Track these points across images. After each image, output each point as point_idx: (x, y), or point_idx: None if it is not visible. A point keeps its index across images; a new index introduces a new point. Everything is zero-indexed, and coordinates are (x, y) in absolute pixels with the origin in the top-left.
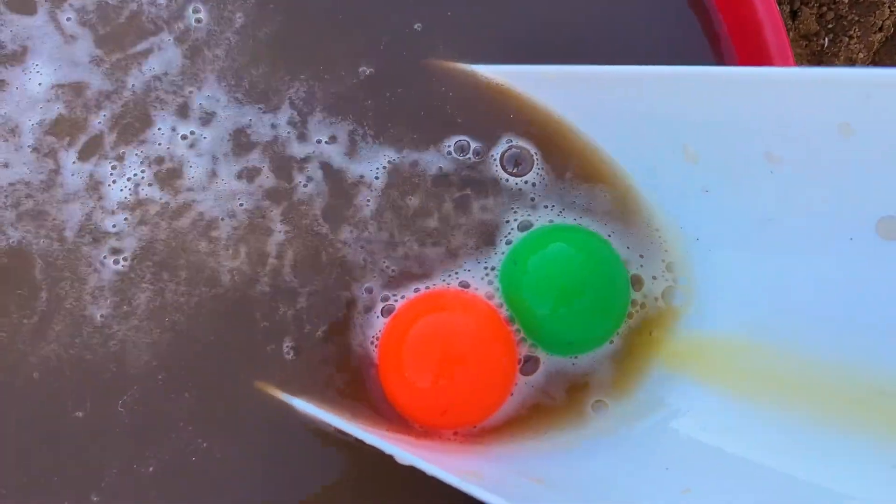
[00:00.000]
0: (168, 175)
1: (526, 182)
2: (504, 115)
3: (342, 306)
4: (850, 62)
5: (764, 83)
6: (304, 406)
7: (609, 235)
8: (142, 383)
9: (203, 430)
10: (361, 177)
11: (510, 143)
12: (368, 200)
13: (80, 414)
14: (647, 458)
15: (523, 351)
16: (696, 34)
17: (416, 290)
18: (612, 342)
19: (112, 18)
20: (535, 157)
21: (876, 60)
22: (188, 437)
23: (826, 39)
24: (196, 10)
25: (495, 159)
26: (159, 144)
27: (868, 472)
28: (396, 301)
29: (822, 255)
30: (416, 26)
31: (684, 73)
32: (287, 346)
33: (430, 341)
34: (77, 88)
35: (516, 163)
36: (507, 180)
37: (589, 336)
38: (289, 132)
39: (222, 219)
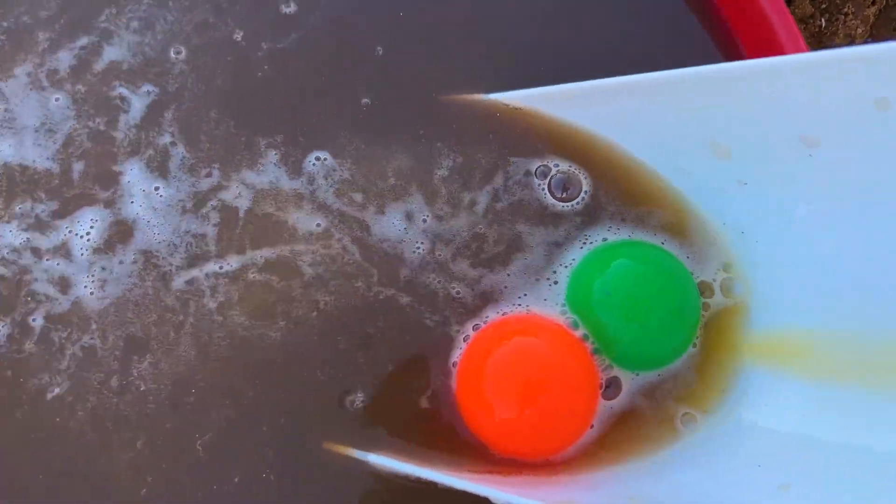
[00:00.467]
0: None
1: (575, 204)
2: (538, 139)
3: (412, 345)
4: (850, 39)
5: (791, 70)
6: (381, 460)
7: (662, 244)
8: (200, 464)
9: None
10: (410, 215)
11: (556, 168)
12: (420, 243)
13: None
14: (738, 459)
15: (602, 371)
16: (703, 39)
17: (487, 319)
18: (689, 350)
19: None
20: (582, 179)
21: (874, 34)
22: None
23: (823, 20)
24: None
25: (542, 187)
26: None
27: None
28: (468, 332)
29: (871, 231)
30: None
31: (705, 72)
32: (353, 397)
33: (512, 369)
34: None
35: (564, 187)
36: (557, 205)
37: (667, 348)
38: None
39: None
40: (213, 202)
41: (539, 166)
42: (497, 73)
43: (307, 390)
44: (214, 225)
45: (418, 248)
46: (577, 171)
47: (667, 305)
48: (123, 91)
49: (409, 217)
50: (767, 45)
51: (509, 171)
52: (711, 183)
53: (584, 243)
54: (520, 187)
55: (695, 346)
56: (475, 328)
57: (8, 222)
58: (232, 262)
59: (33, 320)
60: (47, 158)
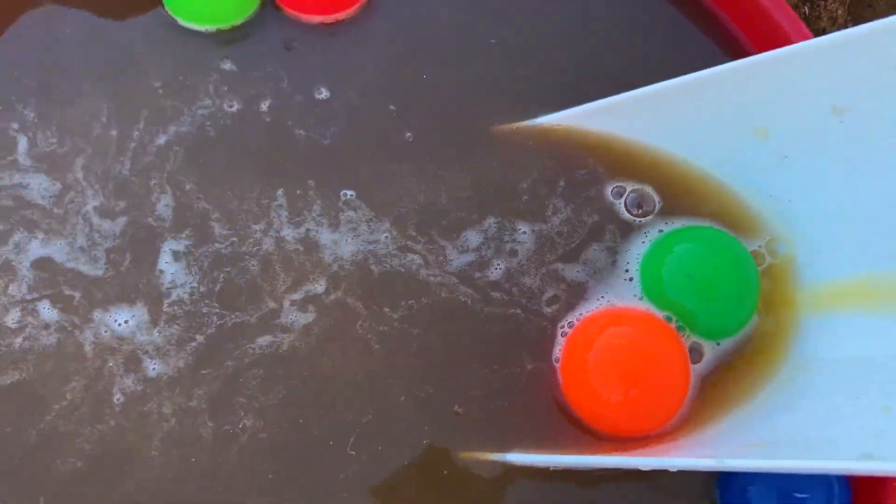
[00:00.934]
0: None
1: (645, 214)
2: (589, 154)
3: (515, 348)
4: (833, 21)
5: (814, 52)
6: (520, 458)
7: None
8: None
9: None
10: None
11: (623, 186)
12: (507, 259)
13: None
14: (835, 395)
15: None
16: (708, 45)
17: (578, 317)
18: (757, 314)
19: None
20: (652, 194)
21: (852, 13)
22: None
23: (806, 8)
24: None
25: (615, 203)
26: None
27: None
28: (565, 329)
29: None
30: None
31: (737, 66)
32: (470, 404)
33: (612, 356)
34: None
35: (638, 204)
36: (629, 218)
37: (742, 314)
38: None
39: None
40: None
41: (613, 187)
42: (537, 100)
43: (430, 403)
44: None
45: (503, 264)
46: (644, 187)
47: (733, 277)
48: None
49: (497, 235)
50: (774, 38)
51: (570, 189)
52: (754, 163)
53: (644, 239)
54: (581, 202)
55: (759, 308)
56: (570, 325)
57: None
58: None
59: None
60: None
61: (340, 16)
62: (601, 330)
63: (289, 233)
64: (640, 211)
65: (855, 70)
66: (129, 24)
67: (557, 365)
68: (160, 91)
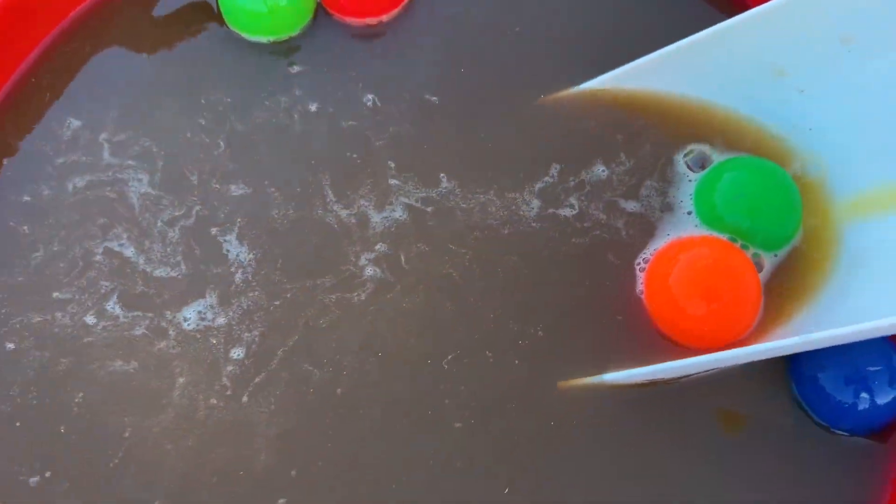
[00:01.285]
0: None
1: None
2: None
3: (596, 283)
4: None
5: None
6: (617, 376)
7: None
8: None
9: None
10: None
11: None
12: (584, 205)
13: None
14: (887, 279)
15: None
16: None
17: (652, 252)
18: (802, 226)
19: None
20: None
21: None
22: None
23: None
24: None
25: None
26: None
27: None
28: (642, 265)
29: None
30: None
31: (752, 14)
32: (570, 336)
33: (693, 276)
34: None
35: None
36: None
37: (792, 224)
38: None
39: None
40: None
41: (660, 138)
42: (577, 69)
43: (531, 343)
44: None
45: (573, 208)
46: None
47: (778, 193)
48: None
49: (562, 188)
50: None
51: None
52: (777, 100)
53: (692, 178)
54: (631, 154)
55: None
56: (644, 261)
57: None
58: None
59: None
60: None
61: (384, 17)
62: (676, 256)
63: (366, 204)
64: (689, 158)
65: (856, 3)
66: (197, 41)
67: (642, 295)
68: (228, 99)
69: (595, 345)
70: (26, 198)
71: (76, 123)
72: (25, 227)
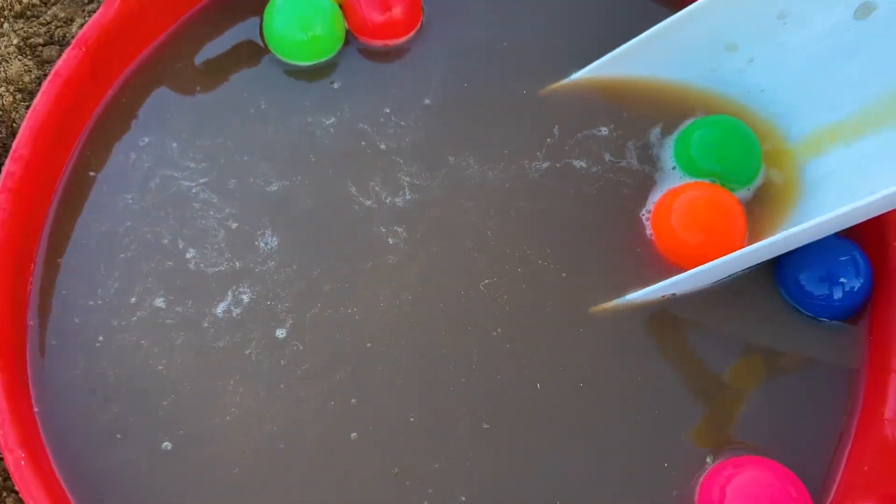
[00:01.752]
0: None
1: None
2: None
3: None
4: None
5: None
6: (644, 293)
7: None
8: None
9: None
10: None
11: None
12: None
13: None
14: (847, 182)
15: None
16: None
17: (653, 203)
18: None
19: None
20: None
21: None
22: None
23: None
24: None
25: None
26: None
27: None
28: (645, 214)
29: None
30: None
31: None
32: (589, 274)
33: (690, 212)
34: None
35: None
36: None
37: (757, 163)
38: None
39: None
40: None
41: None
42: (565, 64)
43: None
44: None
45: (587, 164)
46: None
47: (739, 138)
48: None
49: (567, 159)
50: None
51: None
52: (729, 68)
53: (670, 141)
54: (619, 129)
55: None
56: (648, 211)
57: None
58: None
59: None
60: None
61: (401, 40)
62: (673, 201)
63: (384, 191)
64: (665, 124)
65: None
66: (248, 68)
67: (651, 238)
68: (275, 112)
69: (614, 275)
70: (116, 200)
71: (146, 140)
72: (119, 228)
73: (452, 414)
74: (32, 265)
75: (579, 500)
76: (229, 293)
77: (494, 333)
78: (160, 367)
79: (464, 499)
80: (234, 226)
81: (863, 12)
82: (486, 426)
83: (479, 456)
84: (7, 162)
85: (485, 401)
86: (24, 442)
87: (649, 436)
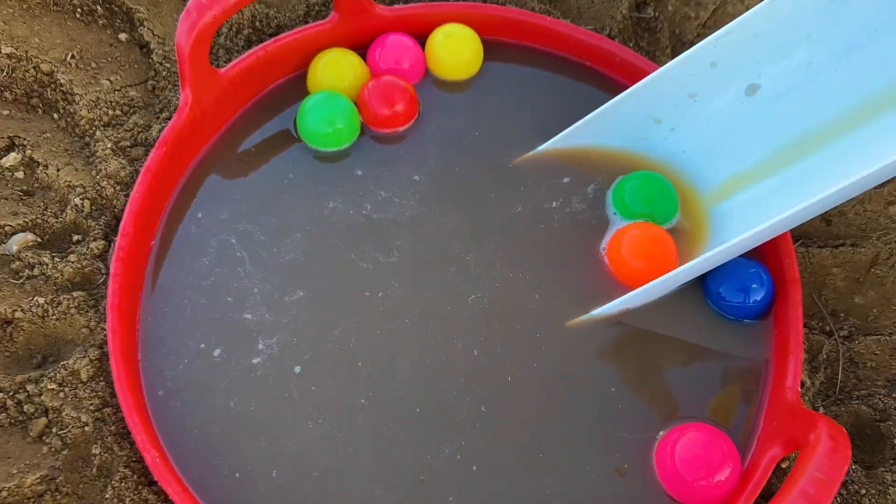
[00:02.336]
0: None
1: (600, 180)
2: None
3: (584, 251)
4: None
5: (677, 69)
6: (606, 309)
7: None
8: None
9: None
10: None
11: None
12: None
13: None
14: (744, 217)
15: None
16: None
17: (607, 239)
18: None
19: None
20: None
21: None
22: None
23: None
24: None
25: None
26: None
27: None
28: (604, 246)
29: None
30: (510, 164)
31: (637, 86)
32: (564, 288)
33: (635, 245)
34: None
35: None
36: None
37: (675, 206)
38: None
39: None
40: None
41: (590, 173)
42: (534, 139)
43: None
44: None
45: (550, 219)
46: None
47: (661, 187)
48: None
49: (537, 206)
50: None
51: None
52: (656, 137)
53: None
54: (577, 183)
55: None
56: (604, 247)
57: None
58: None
59: None
60: None
61: (402, 128)
62: (622, 237)
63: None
64: (600, 180)
65: (694, 74)
66: (284, 153)
67: (608, 266)
68: (308, 185)
69: (581, 297)
70: (184, 261)
71: (199, 216)
72: (188, 281)
73: (457, 401)
74: (138, 314)
75: (560, 460)
76: (260, 339)
77: (482, 338)
78: (231, 404)
79: (459, 457)
80: (265, 285)
81: (751, 91)
82: (483, 409)
83: (479, 431)
84: (118, 238)
85: (482, 390)
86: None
87: (615, 415)
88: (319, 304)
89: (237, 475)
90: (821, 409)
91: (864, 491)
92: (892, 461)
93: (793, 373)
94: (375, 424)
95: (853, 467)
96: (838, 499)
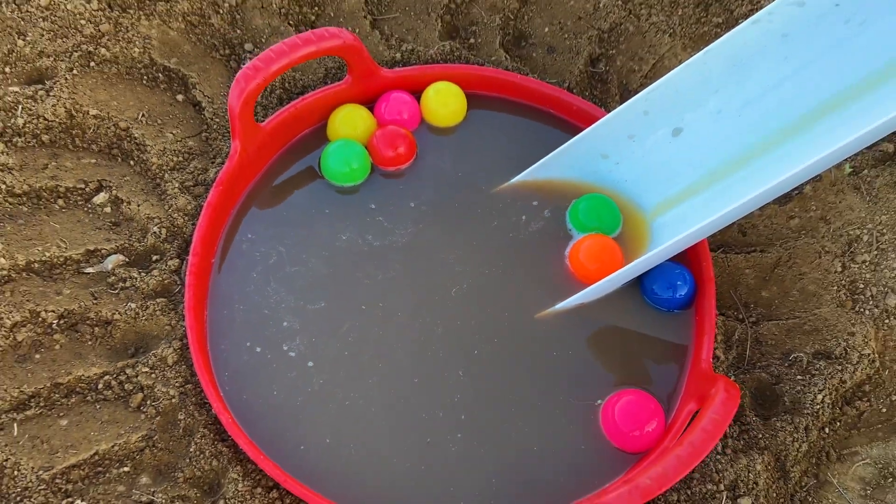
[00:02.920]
0: None
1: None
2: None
3: (549, 257)
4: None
5: (618, 116)
6: (575, 299)
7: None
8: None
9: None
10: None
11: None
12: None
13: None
14: (680, 224)
15: None
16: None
17: (568, 249)
18: (623, 222)
19: None
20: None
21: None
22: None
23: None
24: None
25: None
26: None
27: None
28: (567, 253)
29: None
30: (482, 185)
31: (588, 130)
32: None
33: (590, 252)
34: None
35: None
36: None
37: (618, 221)
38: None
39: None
40: None
41: (551, 198)
42: (508, 173)
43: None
44: None
45: (525, 235)
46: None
47: (606, 205)
48: None
49: (515, 220)
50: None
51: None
52: (604, 169)
53: (566, 214)
54: (543, 206)
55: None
56: (567, 254)
57: None
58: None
59: None
60: None
61: (403, 167)
62: (579, 248)
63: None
64: (561, 202)
65: (636, 115)
66: (309, 188)
67: (570, 268)
68: (327, 210)
69: (546, 292)
70: (238, 274)
71: (249, 236)
72: (243, 291)
73: (442, 369)
74: (205, 315)
75: (528, 415)
76: (298, 337)
77: (459, 322)
78: (273, 387)
79: (452, 410)
80: (293, 296)
81: (676, 133)
82: (460, 374)
83: (460, 389)
84: (189, 257)
85: (461, 359)
86: (225, 410)
87: (571, 384)
88: (335, 311)
89: (285, 434)
90: (732, 377)
91: (760, 435)
92: (783, 413)
93: (707, 348)
94: (386, 399)
95: (754, 418)
96: (741, 442)
